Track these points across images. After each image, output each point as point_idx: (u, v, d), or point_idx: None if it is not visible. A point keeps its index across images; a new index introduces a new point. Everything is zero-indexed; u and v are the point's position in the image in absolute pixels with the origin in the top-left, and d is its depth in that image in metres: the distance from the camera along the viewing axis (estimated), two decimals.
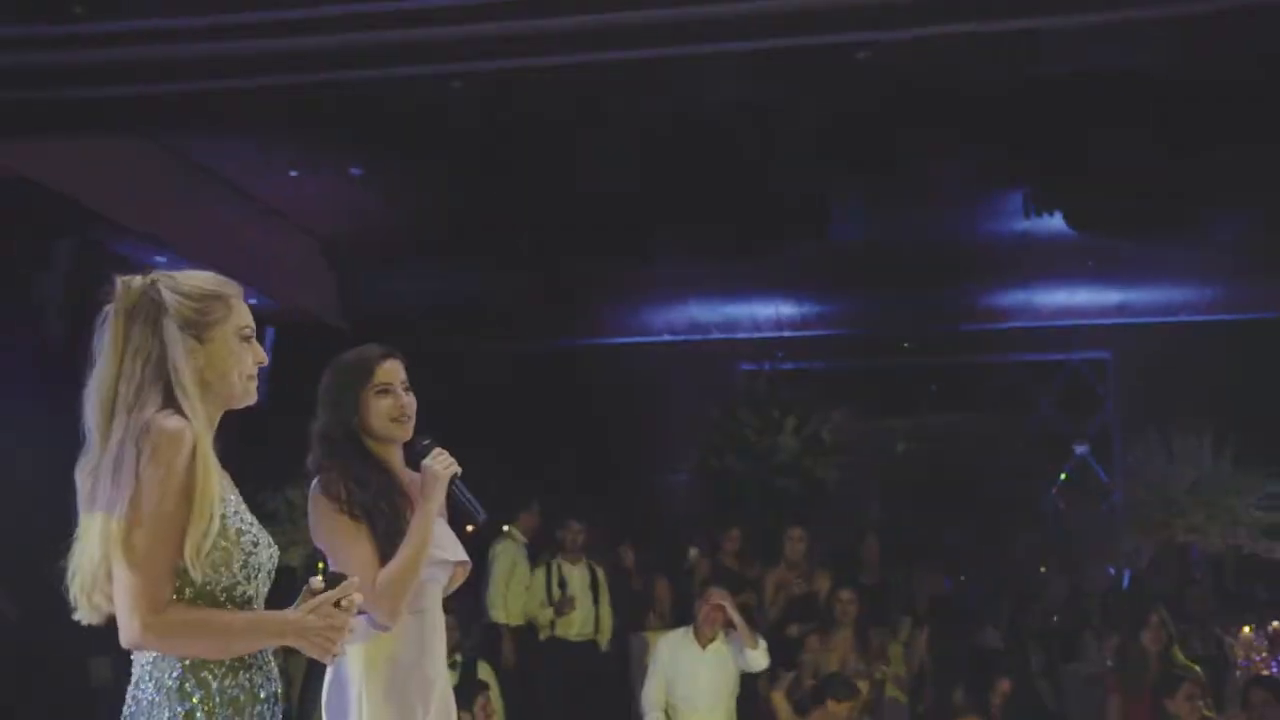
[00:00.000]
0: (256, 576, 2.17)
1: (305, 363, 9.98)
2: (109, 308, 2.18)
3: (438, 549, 3.00)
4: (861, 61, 7.08)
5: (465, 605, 7.67)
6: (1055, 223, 9.47)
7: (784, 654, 6.90)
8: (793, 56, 7.06)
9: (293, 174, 9.89)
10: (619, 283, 10.76)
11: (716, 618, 6.30)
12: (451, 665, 6.85)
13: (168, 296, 2.19)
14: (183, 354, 2.16)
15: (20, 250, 8.93)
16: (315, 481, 2.99)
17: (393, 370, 3.09)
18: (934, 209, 9.88)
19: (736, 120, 8.43)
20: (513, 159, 8.92)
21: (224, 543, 2.11)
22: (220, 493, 2.13)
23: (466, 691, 6.70)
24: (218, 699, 2.09)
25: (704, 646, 6.30)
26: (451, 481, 3.00)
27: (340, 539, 2.93)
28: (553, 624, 7.55)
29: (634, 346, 11.41)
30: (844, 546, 8.41)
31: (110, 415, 2.13)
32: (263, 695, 2.15)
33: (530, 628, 7.68)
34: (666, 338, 11.04)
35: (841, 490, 9.25)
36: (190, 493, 2.07)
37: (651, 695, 6.32)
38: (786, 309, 10.44)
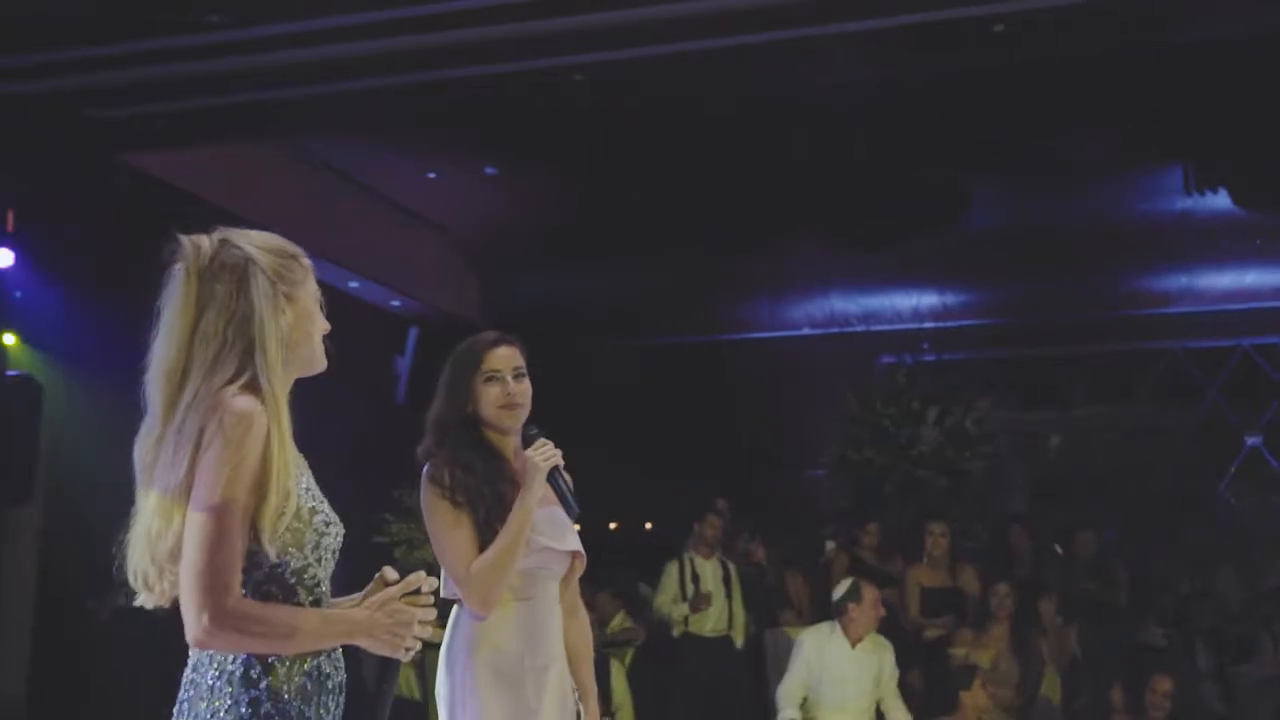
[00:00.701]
0: (326, 558, 2.05)
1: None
2: (179, 266, 2.02)
3: (545, 537, 2.97)
4: (999, 35, 6.78)
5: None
6: (1219, 200, 8.94)
7: (925, 652, 6.65)
8: (927, 33, 6.80)
9: (430, 175, 10.04)
10: (756, 276, 10.60)
11: (873, 616, 6.02)
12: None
13: (253, 252, 2.04)
14: (272, 313, 2.00)
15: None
16: (425, 468, 3.00)
17: (503, 357, 3.06)
18: (1083, 189, 9.44)
19: (870, 103, 8.19)
20: (641, 152, 8.86)
21: (296, 523, 1.99)
22: (295, 470, 2.01)
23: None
24: (286, 687, 1.95)
25: (854, 644, 6.01)
26: (550, 474, 2.96)
27: (440, 525, 2.94)
28: (686, 620, 7.43)
29: (772, 341, 11.22)
30: (990, 540, 8.09)
31: (181, 381, 1.96)
32: (330, 685, 2.02)
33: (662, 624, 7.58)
34: (806, 331, 10.82)
35: (988, 483, 8.90)
36: (262, 475, 1.93)
37: (791, 691, 6.03)
38: (928, 299, 10.13)
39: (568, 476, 3.04)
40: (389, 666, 2.24)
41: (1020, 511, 9.45)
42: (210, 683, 1.94)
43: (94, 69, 7.09)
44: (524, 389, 3.06)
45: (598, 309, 10.98)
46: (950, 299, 10.12)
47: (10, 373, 6.53)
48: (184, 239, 2.03)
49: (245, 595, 1.94)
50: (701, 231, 9.91)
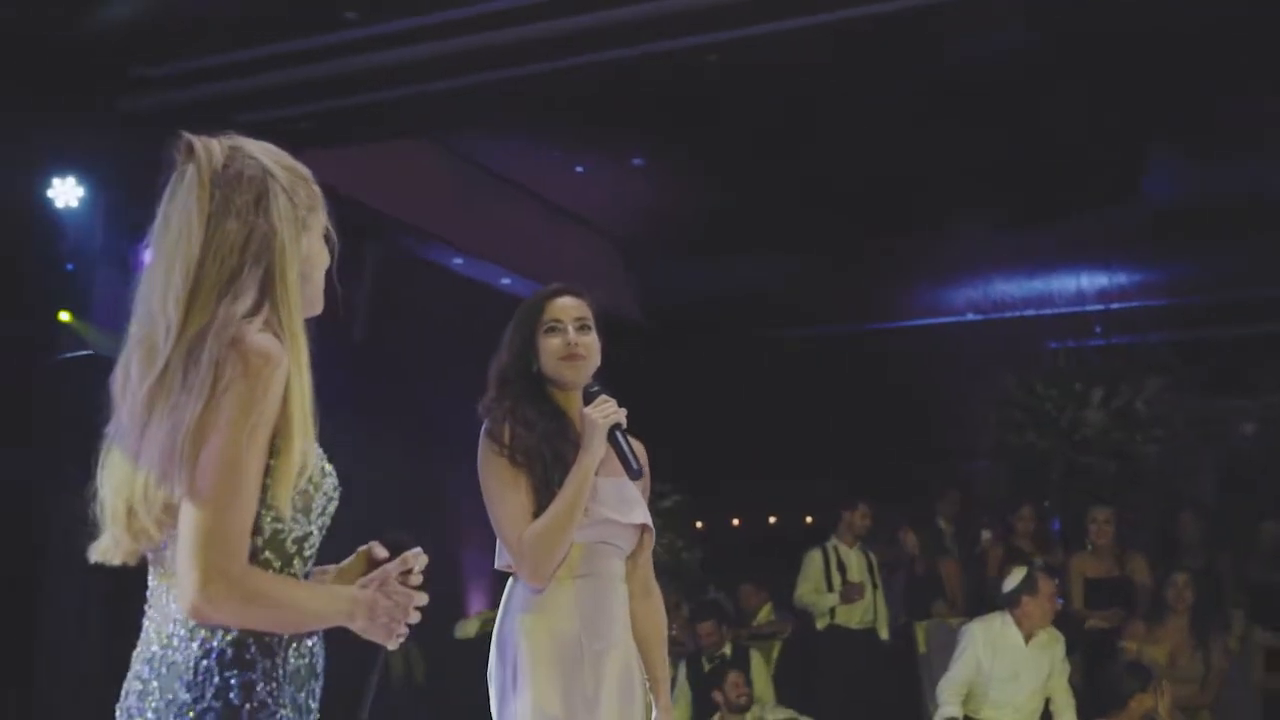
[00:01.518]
0: (326, 525, 1.81)
1: (604, 361, 10.09)
2: (188, 168, 1.74)
3: (607, 508, 2.77)
4: None
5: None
6: None
7: (1087, 645, 6.24)
8: None
9: (578, 169, 10.03)
10: (914, 261, 10.23)
11: (1049, 610, 5.61)
12: (719, 654, 6.67)
13: (271, 165, 1.78)
14: (293, 237, 1.74)
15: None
16: (484, 424, 2.84)
17: (565, 307, 2.91)
18: (1269, 156, 8.77)
19: (1032, 70, 7.77)
20: (788, 135, 8.64)
21: (308, 486, 1.73)
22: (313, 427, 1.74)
23: (718, 670, 6.46)
24: (282, 671, 1.69)
25: (1027, 639, 5.58)
26: (611, 432, 2.76)
27: (495, 485, 2.77)
28: (833, 611, 7.17)
29: (931, 328, 10.82)
30: (1164, 529, 7.58)
31: (189, 300, 1.66)
32: (319, 669, 1.79)
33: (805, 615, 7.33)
34: (969, 317, 10.38)
35: (1167, 469, 8.32)
36: (281, 428, 1.66)
37: (956, 686, 5.60)
38: (1099, 279, 9.57)
39: (637, 450, 2.81)
40: (375, 654, 1.97)
41: (1204, 500, 8.86)
42: (191, 662, 1.65)
43: (237, 74, 7.27)
44: (587, 341, 2.89)
45: (752, 300, 10.77)
46: (1123, 278, 9.54)
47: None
48: (192, 139, 1.77)
49: None
50: (855, 216, 9.62)
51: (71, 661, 6.77)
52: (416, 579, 1.81)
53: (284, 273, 1.72)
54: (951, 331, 10.58)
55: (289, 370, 1.67)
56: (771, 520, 11.57)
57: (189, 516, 1.60)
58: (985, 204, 9.29)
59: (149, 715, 1.65)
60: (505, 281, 10.53)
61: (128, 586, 1.87)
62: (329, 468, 1.79)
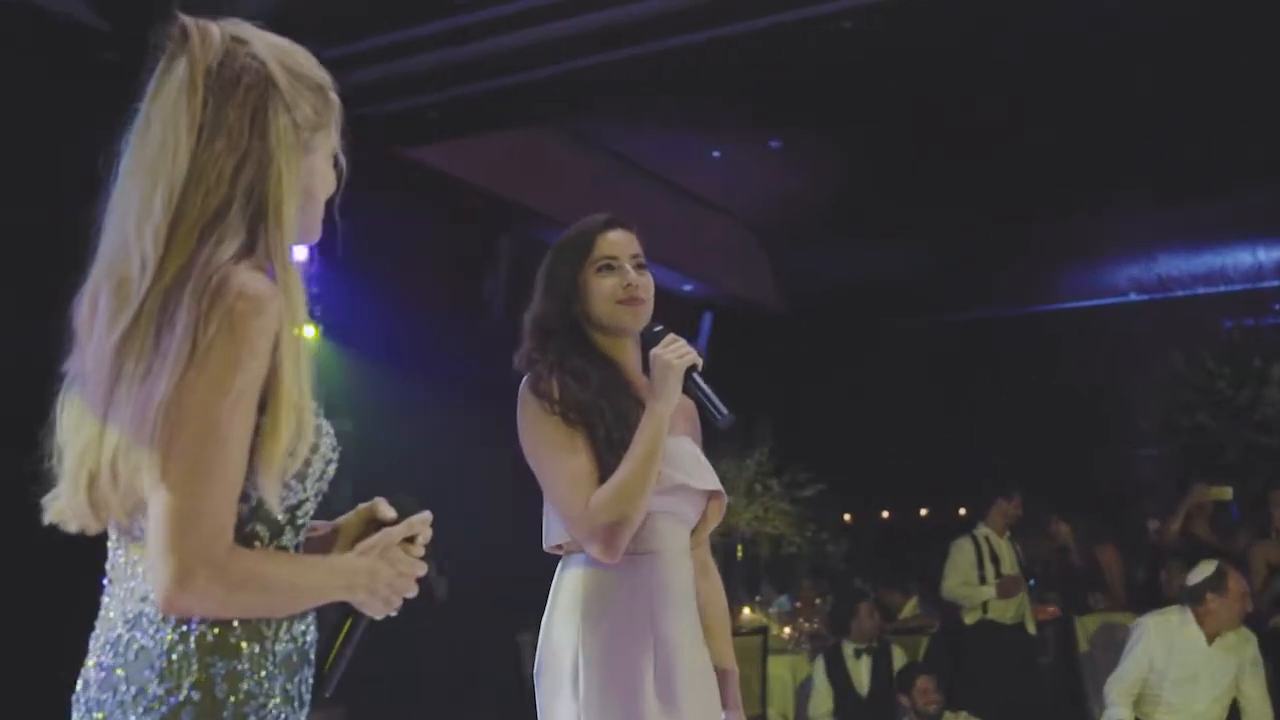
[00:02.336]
0: (323, 491, 1.56)
1: (744, 349, 9.89)
2: (178, 60, 1.46)
3: (681, 472, 2.37)
4: None
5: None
6: None
7: (1271, 642, 5.73)
8: None
9: (714, 154, 9.80)
10: (1070, 240, 9.71)
11: (1238, 611, 5.06)
12: (868, 649, 6.36)
13: (275, 70, 1.49)
14: (290, 167, 1.47)
15: (464, 252, 9.46)
16: (524, 381, 2.42)
17: (619, 242, 2.53)
18: None
19: (1196, 30, 7.25)
20: (931, 110, 8.25)
21: (306, 450, 1.47)
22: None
23: (907, 674, 6.17)
24: (272, 655, 1.45)
25: (1210, 639, 5.03)
26: (688, 375, 2.35)
27: (548, 448, 2.34)
28: (985, 606, 6.77)
29: (1091, 310, 10.27)
30: None
31: (170, 234, 1.40)
32: (311, 654, 1.55)
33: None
34: (1132, 298, 9.82)
35: None
36: (271, 387, 1.39)
37: (1127, 686, 5.09)
38: (1273, 253, 8.93)
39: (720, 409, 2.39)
40: (356, 624, 1.57)
41: None
42: (164, 647, 1.39)
43: (359, 65, 7.26)
44: (646, 282, 2.50)
45: (897, 285, 10.40)
46: None
47: None
48: (188, 22, 1.48)
49: None
50: (1006, 194, 9.16)
51: None
52: (420, 548, 1.58)
53: (278, 210, 1.46)
54: (1113, 313, 10.03)
55: (281, 317, 1.41)
56: (923, 513, 11.18)
57: (162, 497, 1.35)
58: (1145, 178, 8.74)
59: (112, 710, 1.40)
60: None
61: None
62: (327, 425, 1.54)
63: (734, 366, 10.48)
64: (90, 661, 1.44)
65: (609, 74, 7.48)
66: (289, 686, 1.48)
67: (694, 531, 2.45)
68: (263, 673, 1.43)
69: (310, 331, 7.78)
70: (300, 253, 7.93)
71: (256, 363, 1.38)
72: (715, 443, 7.60)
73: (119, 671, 1.40)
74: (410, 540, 1.57)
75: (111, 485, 1.40)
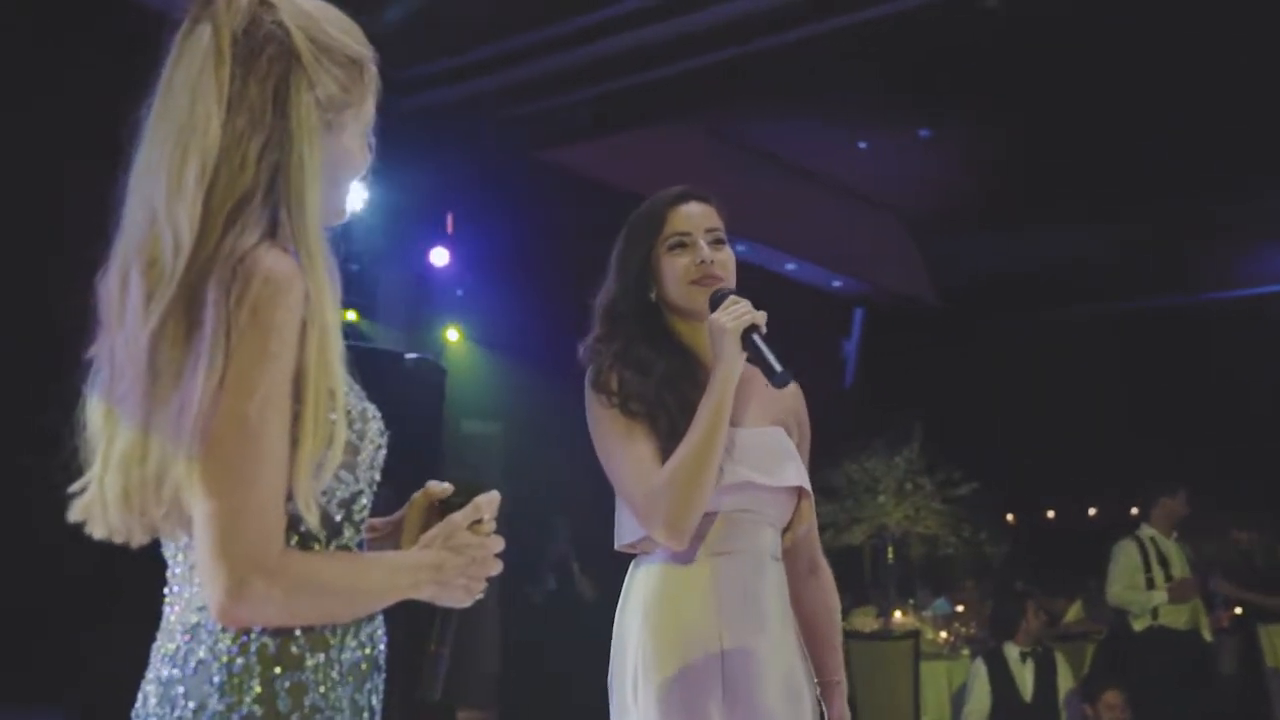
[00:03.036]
0: (376, 480, 1.44)
1: (896, 344, 9.63)
2: (202, 24, 1.35)
3: (747, 467, 2.16)
4: None
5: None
6: None
7: None
8: None
9: (861, 145, 9.56)
10: (1235, 226, 9.17)
11: None
12: (1032, 653, 6.06)
13: (300, 40, 1.37)
14: (312, 149, 1.36)
15: (609, 254, 9.45)
16: (588, 372, 2.25)
17: (693, 216, 2.29)
18: None
19: None
20: (1086, 91, 7.87)
21: (350, 434, 1.36)
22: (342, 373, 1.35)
23: (1093, 685, 5.88)
24: (338, 665, 1.36)
25: None
26: (747, 335, 2.12)
27: (610, 439, 2.16)
28: (1155, 611, 6.39)
29: (1259, 298, 9.70)
30: None
31: (204, 216, 1.30)
32: (381, 661, 1.45)
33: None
34: None
35: None
36: (301, 376, 1.29)
37: None
38: None
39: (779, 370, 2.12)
40: (444, 619, 1.45)
41: None
42: (225, 659, 1.31)
43: (507, 64, 7.28)
44: (724, 258, 2.27)
45: (1058, 275, 9.98)
46: None
47: (411, 355, 6.78)
48: None
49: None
50: (1173, 177, 8.68)
51: None
52: (489, 525, 1.45)
53: (300, 197, 1.34)
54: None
55: (307, 300, 1.30)
56: (1091, 512, 10.72)
57: (204, 504, 1.26)
58: None
59: None
60: (790, 267, 10.21)
61: None
62: (373, 410, 1.42)
63: (885, 362, 10.28)
64: (150, 674, 1.36)
65: (751, 66, 7.36)
66: (358, 696, 1.39)
67: (790, 529, 2.24)
68: (328, 684, 1.34)
69: (453, 335, 7.86)
70: (443, 256, 8.03)
71: (286, 351, 1.29)
72: (864, 440, 7.38)
73: (179, 687, 1.32)
74: (478, 522, 1.45)
75: (156, 498, 1.31)
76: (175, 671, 1.32)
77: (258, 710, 1.30)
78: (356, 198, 7.18)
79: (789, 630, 2.20)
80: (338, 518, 1.38)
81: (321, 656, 1.34)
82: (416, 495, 1.50)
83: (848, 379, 10.76)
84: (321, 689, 1.33)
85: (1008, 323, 10.21)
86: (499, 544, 1.45)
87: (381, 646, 1.44)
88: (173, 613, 1.36)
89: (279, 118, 1.34)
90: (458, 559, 1.41)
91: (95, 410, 1.36)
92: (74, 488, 1.37)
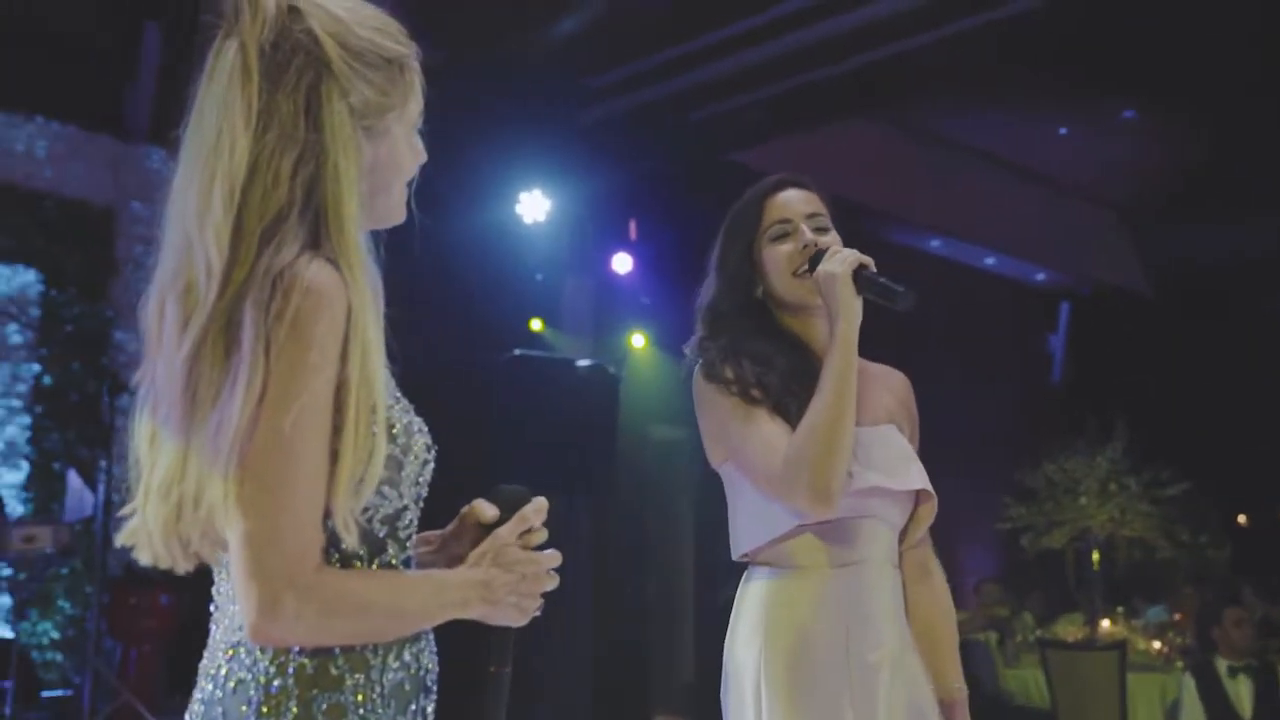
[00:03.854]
0: (423, 496, 1.40)
1: (1108, 338, 9.13)
2: (229, 41, 1.33)
3: (874, 471, 2.02)
4: None
5: None
6: None
7: None
8: None
9: (1061, 131, 9.14)
10: None
11: None
12: (1244, 668, 5.61)
13: (333, 51, 1.33)
14: (350, 158, 1.33)
15: None
16: (695, 371, 2.11)
17: (791, 202, 2.13)
18: None
19: None
20: None
21: (393, 449, 1.32)
22: (384, 387, 1.33)
23: None
24: (380, 686, 1.32)
25: None
26: (858, 275, 1.97)
27: (734, 422, 2.02)
28: None
29: None
30: None
31: (234, 236, 1.27)
32: (428, 681, 1.40)
33: None
34: None
35: None
36: (342, 390, 1.26)
37: None
38: None
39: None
40: (500, 639, 1.38)
41: None
42: (263, 679, 1.28)
43: (681, 71, 7.26)
44: (828, 243, 2.08)
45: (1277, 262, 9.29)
46: None
47: (584, 362, 6.79)
48: None
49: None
50: None
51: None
52: (539, 536, 1.39)
53: (338, 208, 1.30)
54: None
55: (351, 312, 1.26)
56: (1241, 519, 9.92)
57: (239, 523, 1.24)
58: None
59: None
60: (989, 261, 9.86)
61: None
62: (419, 423, 1.38)
63: (1091, 357, 9.79)
64: (195, 693, 1.34)
65: (938, 53, 7.10)
66: (401, 719, 1.34)
67: (907, 533, 2.11)
68: (369, 705, 1.30)
69: (639, 341, 7.87)
70: (626, 263, 8.05)
71: (327, 364, 1.25)
72: (1063, 439, 6.99)
73: (218, 706, 1.30)
74: (527, 533, 1.39)
75: (194, 520, 1.29)
76: (216, 691, 1.31)
77: None
78: (538, 208, 7.29)
79: (906, 639, 2.06)
80: (381, 534, 1.34)
81: (361, 678, 1.30)
82: (462, 511, 1.45)
83: (1055, 375, 10.30)
84: (361, 711, 1.29)
85: (1224, 314, 9.56)
86: (553, 559, 1.39)
87: (430, 667, 1.39)
88: (218, 631, 1.34)
89: (311, 130, 1.31)
90: (507, 576, 1.36)
91: (141, 436, 1.35)
92: (123, 512, 1.36)
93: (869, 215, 9.13)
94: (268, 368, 1.23)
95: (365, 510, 1.30)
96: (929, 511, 2.11)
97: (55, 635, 6.30)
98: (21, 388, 6.46)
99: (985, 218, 9.41)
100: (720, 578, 7.60)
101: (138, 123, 6.89)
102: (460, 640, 1.45)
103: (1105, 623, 6.48)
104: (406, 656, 1.35)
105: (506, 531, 1.38)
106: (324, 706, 1.27)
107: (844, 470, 1.94)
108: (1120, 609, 6.76)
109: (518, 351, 6.35)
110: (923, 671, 2.06)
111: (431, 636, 1.40)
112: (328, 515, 1.26)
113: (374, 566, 1.33)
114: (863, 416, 2.05)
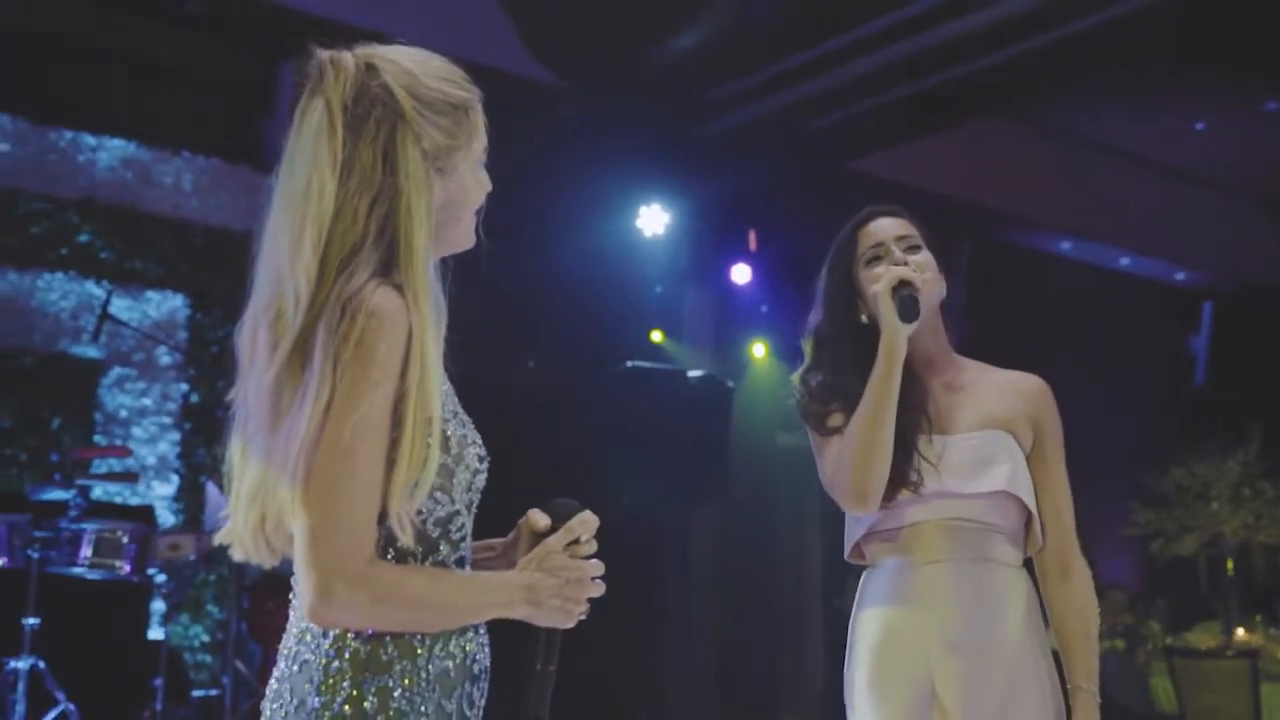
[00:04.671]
0: (475, 502, 1.55)
1: (1255, 337, 8.85)
2: (316, 100, 1.50)
3: (948, 476, 2.15)
4: None
5: None
6: None
7: None
8: None
9: (1198, 126, 8.85)
10: None
11: None
12: None
13: (404, 100, 1.50)
14: (420, 197, 1.48)
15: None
16: (795, 402, 2.29)
17: (882, 228, 2.27)
18: None
19: None
20: None
21: (445, 458, 1.47)
22: (441, 402, 1.48)
23: None
24: (425, 673, 1.47)
25: None
26: (895, 291, 2.14)
27: (816, 445, 2.23)
28: None
29: None
30: None
31: (319, 272, 1.43)
32: (476, 670, 1.54)
33: None
34: None
35: None
36: (399, 401, 1.41)
37: None
38: None
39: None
40: (549, 639, 1.55)
41: None
42: (323, 662, 1.45)
43: (799, 80, 7.28)
44: (922, 261, 2.21)
45: None
46: None
47: (695, 372, 6.86)
48: (325, 59, 1.51)
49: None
50: None
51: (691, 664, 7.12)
52: (587, 547, 1.54)
53: (409, 241, 1.47)
54: None
55: (412, 333, 1.42)
56: None
57: (302, 519, 1.41)
58: None
59: (278, 716, 1.47)
60: (1125, 262, 9.60)
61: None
62: (473, 434, 1.53)
63: (1244, 362, 9.41)
64: (274, 670, 1.53)
65: (1066, 49, 6.95)
66: (446, 704, 1.49)
67: (1028, 539, 2.23)
68: (414, 690, 1.45)
69: (760, 351, 7.91)
70: (745, 274, 8.09)
71: (387, 380, 1.40)
72: (1195, 444, 6.80)
73: (287, 683, 1.47)
74: (574, 543, 1.54)
75: (276, 523, 1.47)
76: (288, 669, 1.48)
77: (347, 710, 1.43)
78: (657, 221, 7.41)
79: (1024, 640, 2.16)
80: (434, 535, 1.49)
81: (408, 664, 1.46)
82: (520, 522, 1.60)
83: (1199, 378, 9.95)
84: (406, 695, 1.45)
85: None
86: (597, 567, 1.54)
87: (479, 657, 1.54)
88: (294, 616, 1.52)
89: (388, 174, 1.48)
90: (551, 581, 1.51)
91: (234, 449, 1.53)
92: (220, 515, 1.55)
93: (992, 219, 9.00)
94: (334, 382, 1.39)
95: (420, 513, 1.46)
96: (1048, 511, 2.21)
97: (205, 638, 6.69)
98: (171, 406, 6.87)
99: (1119, 217, 9.17)
100: (849, 583, 7.60)
101: (275, 154, 7.26)
102: (513, 638, 1.58)
103: (1240, 631, 6.27)
104: (453, 647, 1.50)
105: (555, 540, 1.53)
106: (373, 689, 1.44)
107: (881, 473, 2.11)
108: (1259, 617, 6.53)
109: (630, 363, 6.47)
110: (1045, 672, 2.16)
111: (484, 630, 1.55)
112: (385, 515, 1.42)
113: (427, 564, 1.49)
114: (959, 425, 2.21)
